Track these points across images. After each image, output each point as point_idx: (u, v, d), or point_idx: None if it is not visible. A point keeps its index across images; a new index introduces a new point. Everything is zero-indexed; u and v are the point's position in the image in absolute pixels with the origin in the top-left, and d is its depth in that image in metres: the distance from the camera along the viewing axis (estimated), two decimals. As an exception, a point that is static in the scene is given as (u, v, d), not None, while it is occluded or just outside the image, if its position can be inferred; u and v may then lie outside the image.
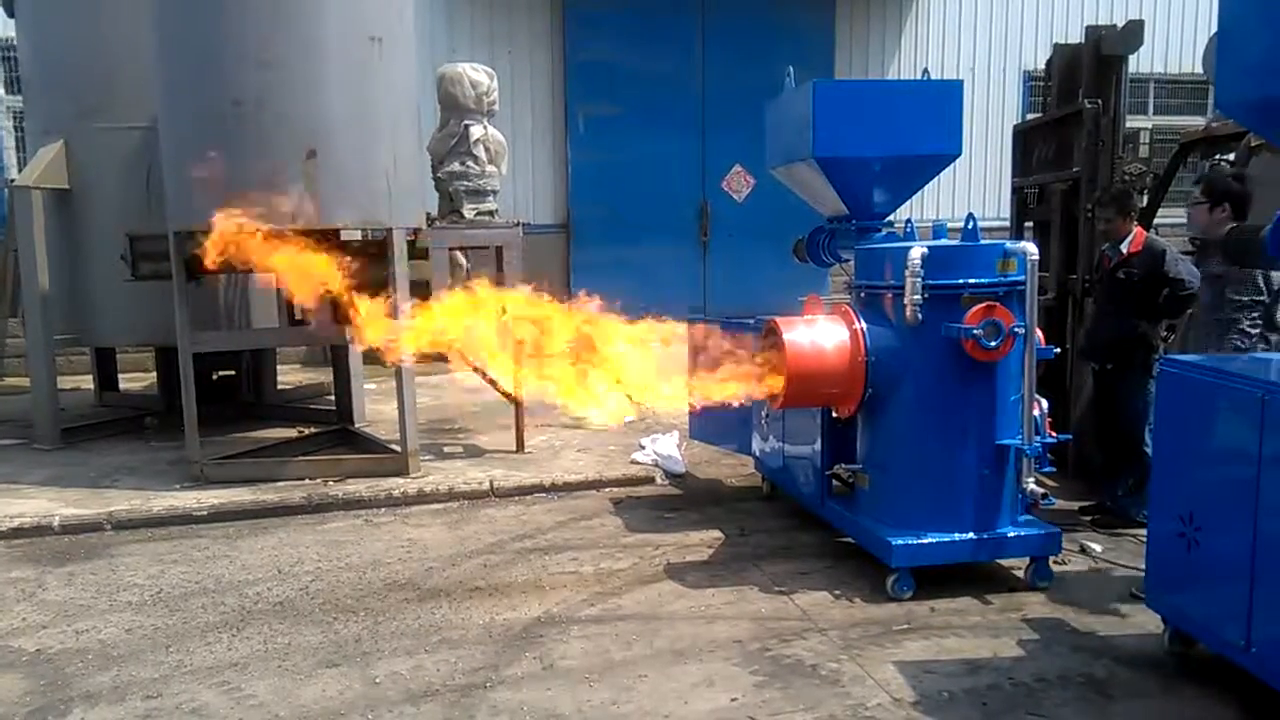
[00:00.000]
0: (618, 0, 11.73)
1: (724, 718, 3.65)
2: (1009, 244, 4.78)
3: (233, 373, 8.55)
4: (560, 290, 5.73)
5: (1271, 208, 3.83)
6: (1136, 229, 5.56)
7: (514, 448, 7.31)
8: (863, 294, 5.04)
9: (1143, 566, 4.32)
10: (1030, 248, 4.67)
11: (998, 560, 4.96)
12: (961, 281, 4.63)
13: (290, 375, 10.36)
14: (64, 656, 4.22)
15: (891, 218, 5.88)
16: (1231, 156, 6.47)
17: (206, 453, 6.70)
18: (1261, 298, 4.54)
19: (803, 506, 5.74)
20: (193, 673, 4.06)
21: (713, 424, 6.51)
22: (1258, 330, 4.52)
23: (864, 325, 4.86)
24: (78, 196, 7.55)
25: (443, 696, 3.82)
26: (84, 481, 6.65)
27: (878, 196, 5.69)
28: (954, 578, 4.77)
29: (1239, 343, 4.46)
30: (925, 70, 8.35)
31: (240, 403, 8.59)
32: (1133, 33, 6.27)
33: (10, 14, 8.19)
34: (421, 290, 6.67)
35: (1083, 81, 6.36)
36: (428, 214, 7.34)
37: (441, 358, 5.74)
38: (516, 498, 6.41)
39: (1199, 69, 11.57)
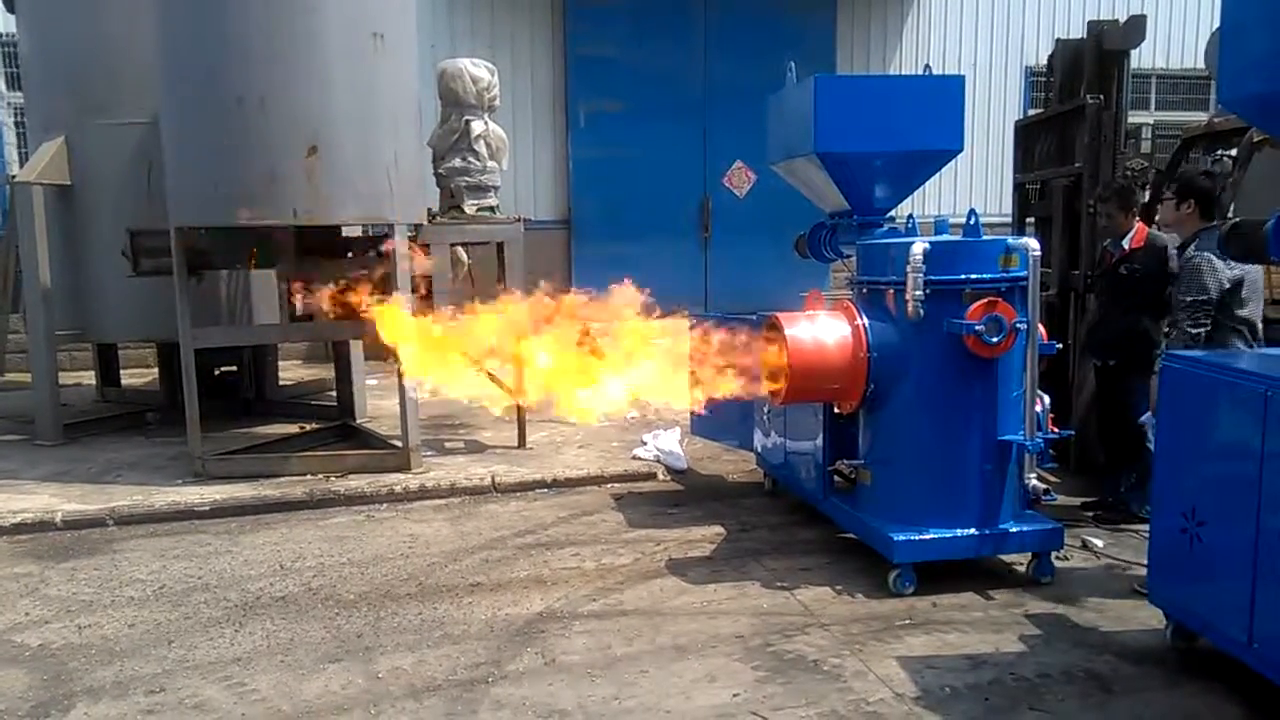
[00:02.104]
0: (619, -4, 11.73)
1: (726, 713, 3.65)
2: (1011, 239, 4.77)
3: (234, 368, 8.55)
4: (561, 286, 5.76)
5: (1274, 204, 3.83)
6: (1138, 225, 5.55)
7: (516, 443, 7.32)
8: (864, 289, 5.04)
9: (1145, 562, 4.33)
10: (1032, 243, 4.67)
11: (1000, 556, 4.97)
12: (963, 277, 4.63)
13: (292, 371, 10.37)
14: (67, 652, 4.23)
15: (893, 213, 5.87)
16: (1234, 152, 6.45)
17: (208, 448, 6.70)
18: (1205, 297, 4.52)
19: (804, 502, 5.74)
20: (195, 668, 4.06)
21: (714, 420, 6.51)
22: (1200, 330, 4.50)
23: (866, 321, 4.86)
24: (79, 192, 7.54)
25: (445, 691, 3.83)
26: (86, 477, 6.66)
27: (879, 192, 5.68)
28: (956, 573, 4.77)
29: (1183, 342, 4.44)
30: (927, 66, 8.33)
31: (242, 399, 8.59)
32: (1135, 28, 6.25)
33: (11, 10, 8.18)
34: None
35: (1085, 77, 6.35)
36: (429, 210, 7.34)
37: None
38: (518, 493, 6.42)
39: (1201, 64, 11.56)
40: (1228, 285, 4.66)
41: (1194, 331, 4.47)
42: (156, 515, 5.96)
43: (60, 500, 6.13)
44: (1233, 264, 4.63)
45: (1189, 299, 4.47)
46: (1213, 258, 4.59)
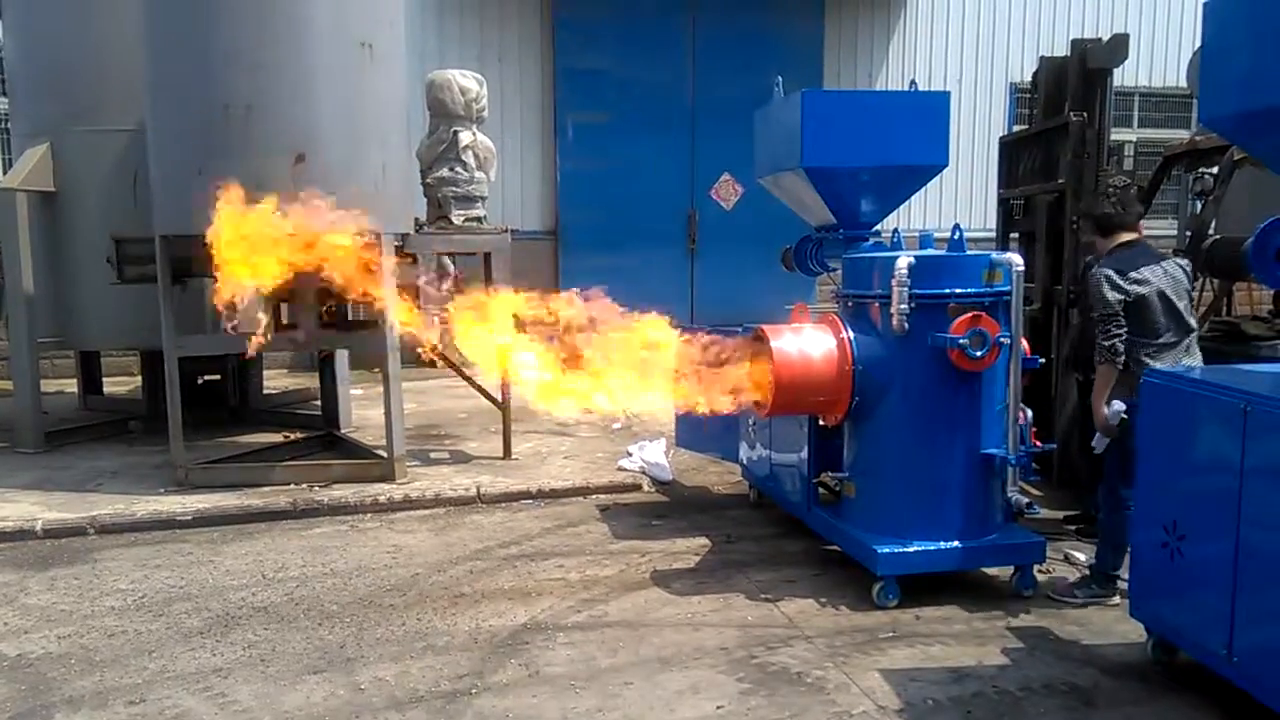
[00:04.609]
0: (608, 8, 11.76)
1: (709, 725, 3.65)
2: (995, 254, 4.81)
3: (218, 377, 8.51)
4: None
5: (1254, 222, 3.87)
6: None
7: (501, 454, 7.31)
8: (850, 303, 5.06)
9: (1124, 575, 4.36)
10: (1016, 258, 4.70)
11: (983, 569, 4.99)
12: (948, 291, 4.66)
13: (276, 380, 10.32)
14: (46, 662, 4.19)
15: (879, 227, 5.91)
16: (1215, 170, 6.51)
17: (191, 457, 6.67)
18: (1111, 311, 4.46)
19: (789, 514, 5.75)
20: (176, 678, 4.03)
21: (700, 431, 6.52)
22: (1112, 341, 4.46)
23: (851, 334, 4.89)
24: (63, 199, 7.52)
25: (428, 703, 3.81)
26: (67, 485, 6.61)
27: (865, 206, 5.71)
28: (939, 586, 4.78)
29: (1103, 357, 4.45)
30: (913, 81, 8.38)
31: (226, 407, 8.55)
32: (1118, 46, 6.31)
33: (-3, 15, 8.16)
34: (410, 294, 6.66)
35: (1068, 94, 6.40)
36: (416, 219, 7.33)
37: (430, 363, 5.74)
38: (503, 504, 6.40)
39: (1183, 83, 11.68)
40: (1130, 299, 4.50)
41: (1106, 344, 4.45)
42: (138, 524, 5.92)
43: (41, 508, 6.08)
44: (1131, 279, 4.50)
45: (1096, 314, 4.49)
46: (1109, 271, 4.53)
